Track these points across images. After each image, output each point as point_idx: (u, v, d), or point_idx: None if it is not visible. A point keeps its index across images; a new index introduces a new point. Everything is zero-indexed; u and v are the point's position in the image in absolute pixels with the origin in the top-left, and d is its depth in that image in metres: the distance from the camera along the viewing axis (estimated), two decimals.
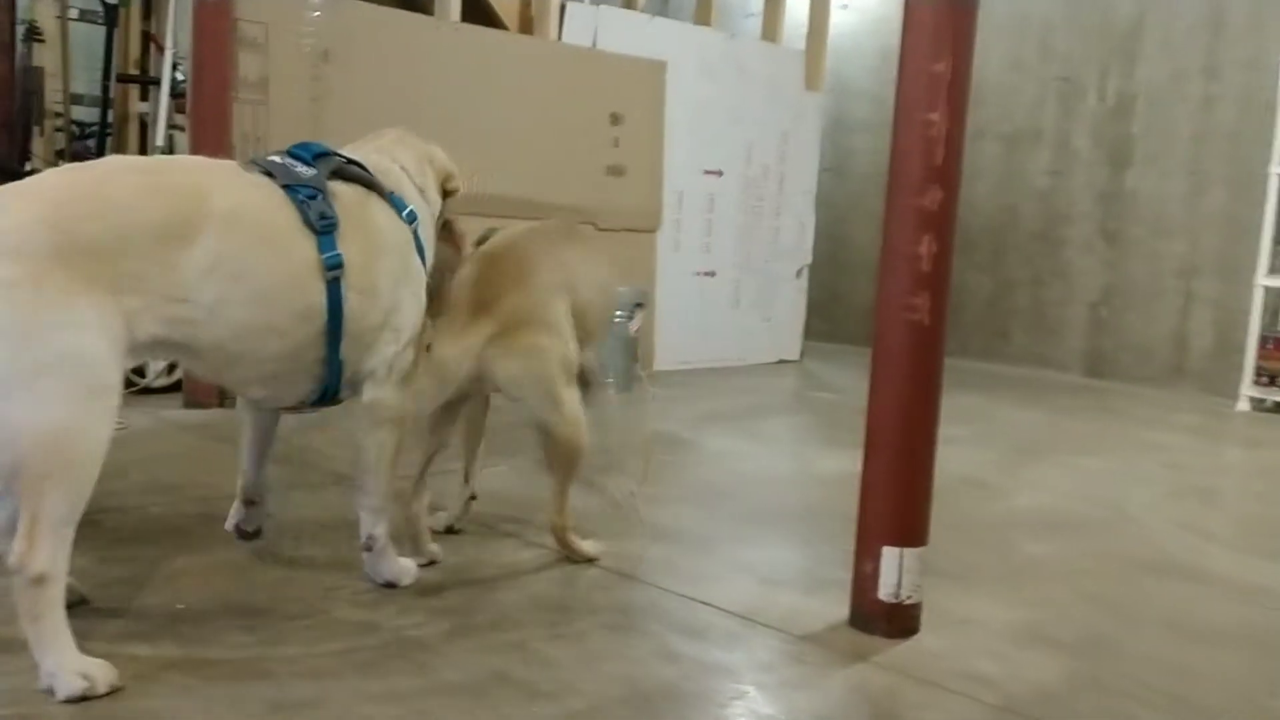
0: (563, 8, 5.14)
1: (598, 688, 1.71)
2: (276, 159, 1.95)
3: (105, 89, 5.01)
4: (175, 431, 3.38)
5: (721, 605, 2.13)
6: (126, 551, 2.18)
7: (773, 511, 3.01)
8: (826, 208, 6.46)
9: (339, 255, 1.89)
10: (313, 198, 1.90)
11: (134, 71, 5.04)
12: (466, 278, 2.27)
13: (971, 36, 1.90)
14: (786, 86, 6.04)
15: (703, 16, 5.98)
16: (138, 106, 5.10)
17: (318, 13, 4.06)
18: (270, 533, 2.27)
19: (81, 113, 5.16)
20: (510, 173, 4.77)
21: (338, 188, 1.97)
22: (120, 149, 5.13)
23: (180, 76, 4.37)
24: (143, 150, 5.07)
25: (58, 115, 4.99)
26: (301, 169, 1.94)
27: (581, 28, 5.14)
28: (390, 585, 2.10)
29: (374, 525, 2.09)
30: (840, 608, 2.07)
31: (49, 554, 1.51)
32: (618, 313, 4.72)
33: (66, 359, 1.53)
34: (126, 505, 2.49)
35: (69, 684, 1.54)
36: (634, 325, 4.79)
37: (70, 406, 1.53)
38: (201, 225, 1.71)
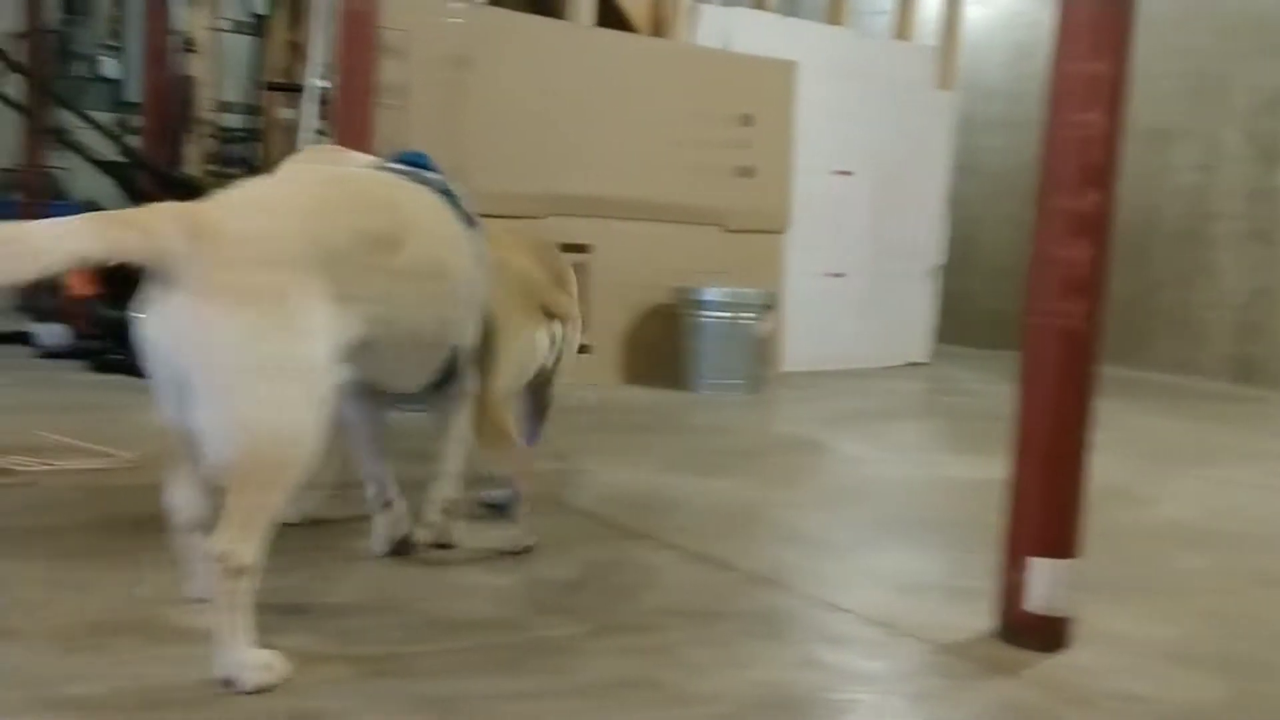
0: (693, 10, 5.15)
1: (742, 693, 1.71)
2: (401, 166, 2.11)
3: (253, 96, 5.22)
4: None
5: (861, 612, 2.10)
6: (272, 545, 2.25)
7: (907, 517, 2.96)
8: (954, 207, 6.32)
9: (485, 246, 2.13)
10: (455, 198, 2.10)
11: (280, 79, 5.23)
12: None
13: (1131, 34, 1.84)
14: (918, 85, 5.95)
15: (833, 16, 5.92)
16: (283, 113, 5.28)
17: (458, 19, 4.15)
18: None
19: (230, 119, 5.37)
20: (639, 174, 4.80)
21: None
22: (266, 154, 5.33)
23: (324, 83, 4.51)
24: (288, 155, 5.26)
25: (208, 123, 5.21)
26: (429, 174, 2.11)
27: (713, 29, 5.14)
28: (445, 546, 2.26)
29: (455, 490, 2.26)
30: (984, 619, 2.02)
31: (257, 547, 1.58)
32: (746, 314, 4.71)
33: (305, 365, 1.61)
34: None
35: (255, 676, 1.58)
36: (763, 327, 4.78)
37: (303, 410, 1.61)
38: (407, 230, 1.87)
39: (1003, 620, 1.99)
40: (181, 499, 1.74)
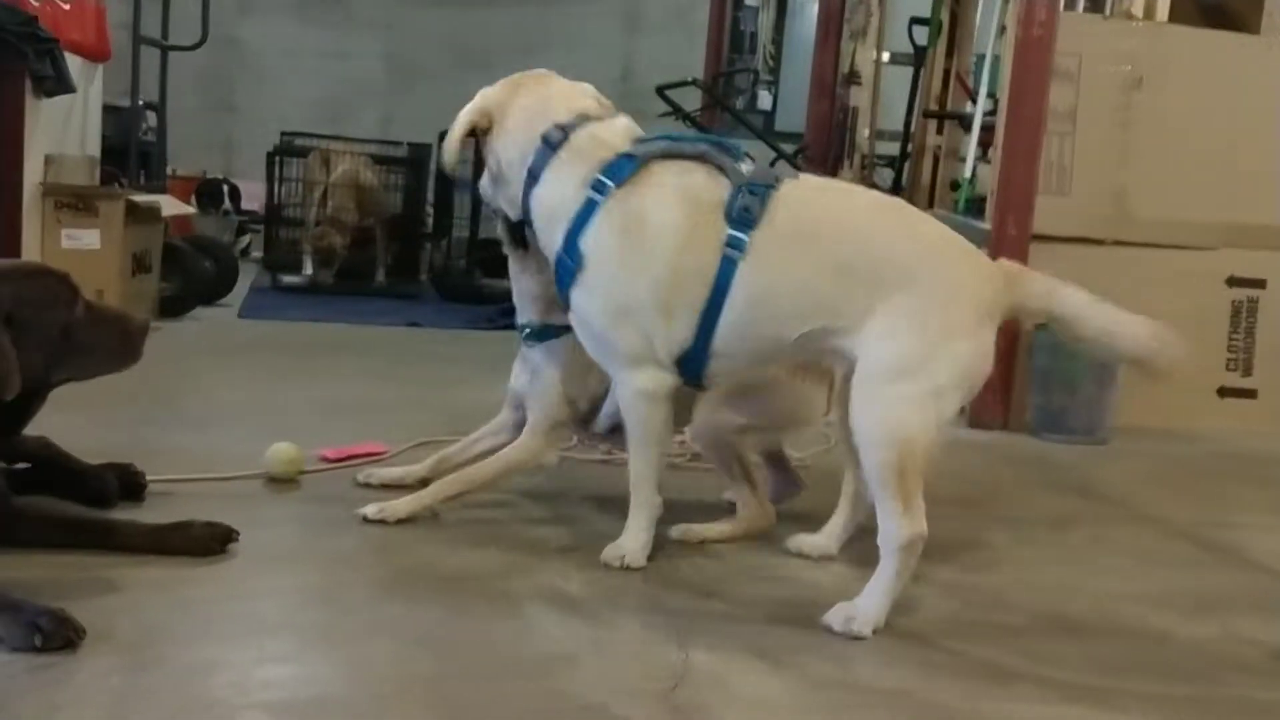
0: None
1: None
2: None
3: (906, 124, 5.42)
4: (961, 450, 3.46)
5: None
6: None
7: None
8: None
9: None
10: None
11: (936, 107, 5.37)
12: None
13: None
14: None
15: None
16: (934, 139, 5.42)
17: (1134, 40, 4.00)
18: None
19: (885, 147, 5.64)
20: None
21: None
22: (914, 179, 5.49)
23: (982, 109, 4.57)
24: (933, 180, 5.39)
25: (864, 151, 5.51)
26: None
27: None
28: None
29: None
30: None
31: None
32: None
33: None
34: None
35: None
36: None
37: None
38: None
39: None
40: None
